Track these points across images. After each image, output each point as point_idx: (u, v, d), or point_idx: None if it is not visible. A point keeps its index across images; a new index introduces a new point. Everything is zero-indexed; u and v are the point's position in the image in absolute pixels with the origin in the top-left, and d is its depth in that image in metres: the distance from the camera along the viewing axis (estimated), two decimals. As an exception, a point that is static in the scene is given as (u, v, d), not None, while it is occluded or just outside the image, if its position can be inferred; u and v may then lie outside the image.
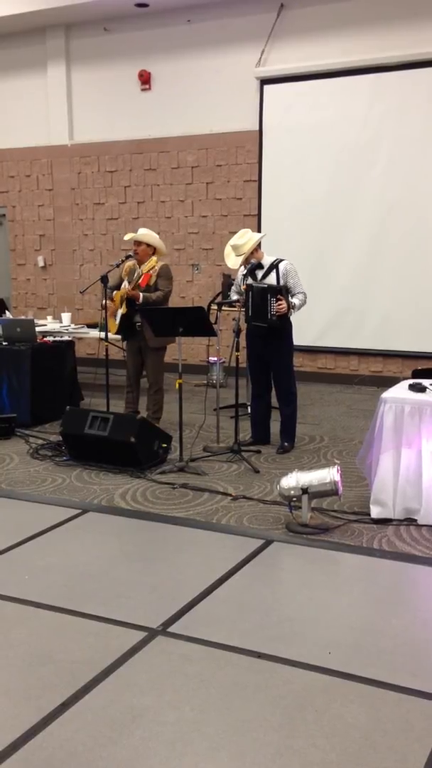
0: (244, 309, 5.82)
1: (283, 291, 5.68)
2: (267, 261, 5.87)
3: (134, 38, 9.40)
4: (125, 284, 6.30)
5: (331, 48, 8.32)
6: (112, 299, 6.29)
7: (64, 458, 5.77)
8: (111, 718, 2.63)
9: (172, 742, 2.50)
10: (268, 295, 5.62)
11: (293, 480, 4.38)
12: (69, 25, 9.71)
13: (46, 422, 6.83)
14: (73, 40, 9.82)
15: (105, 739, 2.52)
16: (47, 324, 8.45)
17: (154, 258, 6.29)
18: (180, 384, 5.60)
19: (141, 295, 6.14)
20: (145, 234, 6.29)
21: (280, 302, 5.61)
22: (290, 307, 5.70)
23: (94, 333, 7.81)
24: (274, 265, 5.82)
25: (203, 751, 2.47)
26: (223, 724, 2.60)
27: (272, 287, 5.67)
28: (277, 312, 5.62)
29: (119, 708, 2.69)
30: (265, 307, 5.63)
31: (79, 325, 8.52)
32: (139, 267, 6.31)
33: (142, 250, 6.25)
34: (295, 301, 5.76)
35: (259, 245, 5.85)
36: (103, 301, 6.32)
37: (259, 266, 5.84)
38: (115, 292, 6.30)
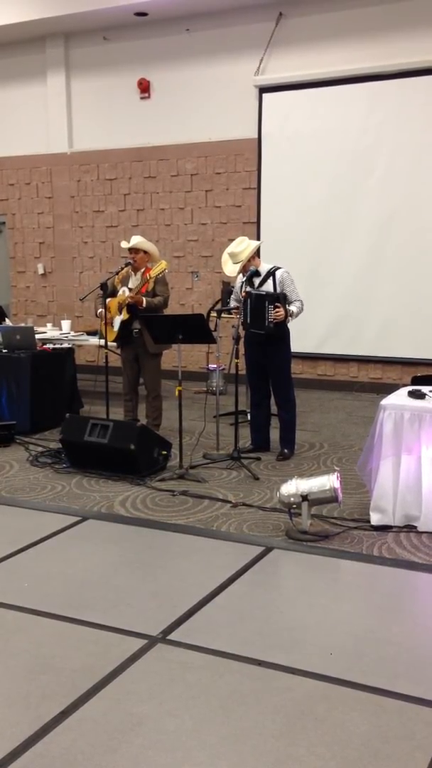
0: (240, 316, 5.83)
1: (281, 298, 5.69)
2: (264, 268, 5.88)
3: (133, 47, 9.44)
4: (123, 291, 6.31)
5: (330, 56, 8.35)
6: (105, 307, 6.31)
7: (64, 465, 5.77)
8: (111, 727, 2.62)
9: (172, 751, 2.50)
10: (266, 303, 5.63)
11: (293, 487, 4.37)
12: (68, 34, 9.75)
13: (45, 429, 6.83)
14: (72, 49, 9.86)
15: (104, 747, 2.52)
16: (47, 331, 8.45)
17: (164, 263, 6.31)
18: (180, 391, 5.61)
19: (144, 300, 6.16)
20: (142, 242, 6.32)
21: (278, 310, 5.62)
22: (288, 314, 5.71)
23: (94, 340, 7.82)
24: (271, 273, 5.84)
25: (203, 759, 2.46)
26: (223, 732, 2.59)
27: (271, 294, 5.68)
28: (275, 319, 5.62)
29: (119, 716, 2.68)
30: (263, 315, 5.64)
31: (79, 333, 8.53)
32: (135, 274, 6.33)
33: (140, 258, 6.29)
34: (292, 308, 5.77)
35: (256, 253, 5.86)
36: (99, 311, 6.33)
37: (256, 273, 5.85)
38: (109, 299, 6.31)
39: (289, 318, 5.75)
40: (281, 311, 5.62)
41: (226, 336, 7.85)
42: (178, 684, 2.88)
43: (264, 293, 5.70)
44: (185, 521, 4.66)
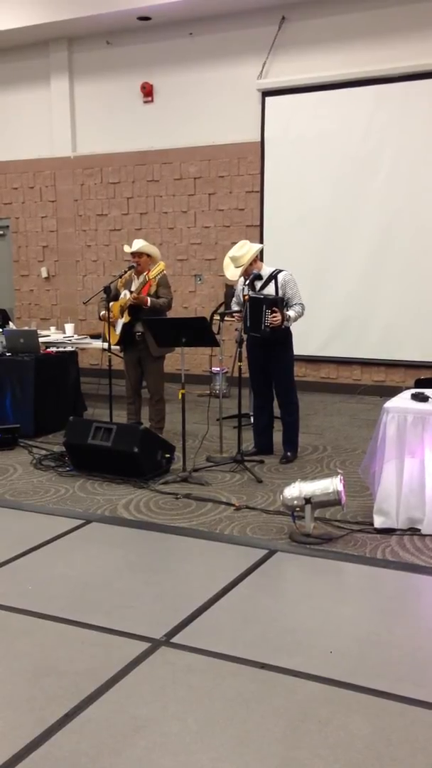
0: (243, 319, 5.84)
1: (279, 303, 5.69)
2: (266, 271, 5.88)
3: (136, 51, 9.47)
4: (124, 294, 6.33)
5: (333, 60, 8.37)
6: (108, 310, 6.33)
7: (68, 469, 5.78)
8: (114, 729, 2.63)
9: (176, 753, 2.50)
10: (263, 307, 5.63)
11: (296, 490, 4.38)
12: (72, 38, 9.79)
13: (49, 433, 6.84)
14: (75, 54, 9.89)
15: (108, 749, 2.52)
16: (50, 335, 8.48)
17: (162, 263, 6.33)
18: (183, 394, 5.61)
19: (149, 299, 6.17)
20: (145, 245, 6.34)
21: (274, 314, 5.62)
22: (285, 318, 5.71)
23: (98, 343, 7.83)
24: (273, 276, 5.84)
25: (207, 762, 2.46)
26: (226, 735, 2.60)
27: (268, 299, 5.68)
28: (270, 324, 5.63)
29: (122, 719, 2.69)
30: (260, 318, 5.65)
31: (83, 336, 8.55)
32: (138, 278, 6.35)
33: (144, 261, 6.30)
34: (290, 313, 5.76)
35: (258, 256, 5.87)
36: (102, 313, 6.35)
37: (259, 277, 5.85)
38: (112, 303, 6.33)
39: (286, 322, 5.75)
40: (278, 316, 5.62)
41: (230, 339, 7.87)
42: (182, 687, 2.89)
43: (262, 297, 5.70)
44: (188, 524, 4.66)
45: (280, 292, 5.78)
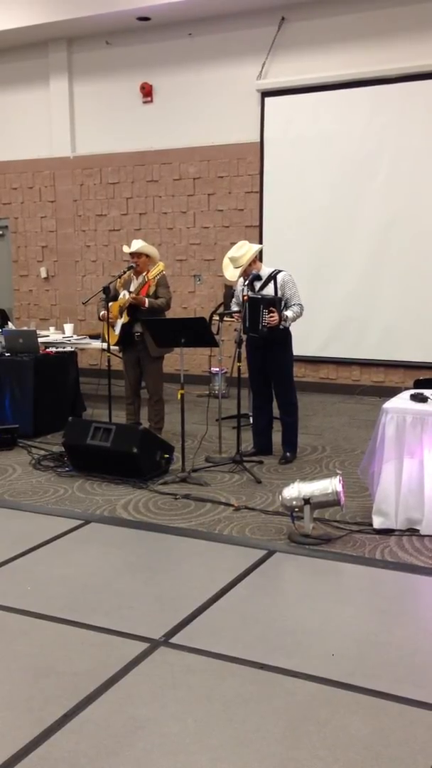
0: (242, 320, 5.85)
1: (276, 303, 5.69)
2: (265, 272, 5.89)
3: (136, 51, 9.47)
4: (123, 294, 6.33)
5: (332, 60, 8.38)
6: (108, 310, 6.33)
7: (67, 469, 5.77)
8: (113, 730, 2.63)
9: (175, 754, 2.50)
10: (261, 307, 5.64)
11: (295, 490, 4.38)
12: (71, 38, 9.79)
13: (48, 433, 6.84)
14: (75, 54, 9.89)
15: (107, 750, 2.52)
16: (50, 335, 8.48)
17: (161, 264, 6.34)
18: (182, 394, 5.62)
19: (147, 300, 6.17)
20: (144, 246, 6.34)
21: (272, 314, 5.62)
22: (282, 319, 5.71)
23: (97, 344, 7.83)
24: (272, 276, 5.84)
25: (206, 762, 2.46)
26: (225, 735, 2.60)
27: (266, 299, 5.69)
28: (268, 324, 5.63)
29: (121, 719, 2.69)
30: (258, 318, 5.65)
31: (82, 336, 8.54)
32: (137, 278, 6.35)
33: (143, 262, 6.31)
34: (288, 313, 5.77)
35: (257, 256, 5.87)
36: (102, 312, 6.36)
37: (258, 277, 5.86)
38: (111, 303, 6.34)
39: (284, 323, 5.75)
40: (275, 316, 5.62)
41: (229, 339, 7.87)
42: (181, 687, 2.89)
43: (260, 297, 5.71)
44: (187, 525, 4.66)
45: (279, 293, 5.79)
